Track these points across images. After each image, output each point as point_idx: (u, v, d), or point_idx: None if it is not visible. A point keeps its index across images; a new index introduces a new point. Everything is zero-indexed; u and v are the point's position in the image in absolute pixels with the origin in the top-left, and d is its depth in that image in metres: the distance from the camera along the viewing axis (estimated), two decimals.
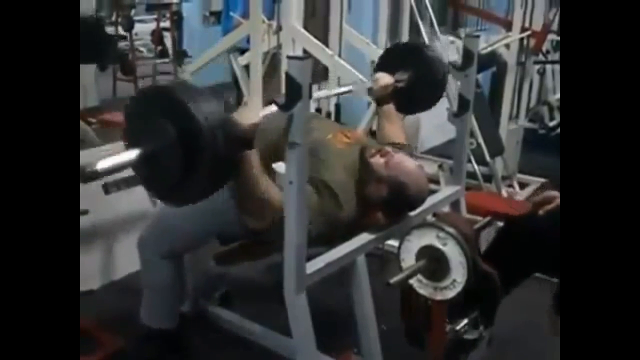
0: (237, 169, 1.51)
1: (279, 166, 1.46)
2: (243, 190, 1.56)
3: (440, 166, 3.44)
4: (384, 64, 2.25)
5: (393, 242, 1.96)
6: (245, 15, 3.61)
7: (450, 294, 1.31)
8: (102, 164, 1.24)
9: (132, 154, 1.32)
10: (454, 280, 1.30)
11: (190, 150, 1.29)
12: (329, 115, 3.35)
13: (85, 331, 2.25)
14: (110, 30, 5.67)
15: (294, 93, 1.37)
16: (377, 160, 1.77)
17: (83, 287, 2.57)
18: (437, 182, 3.36)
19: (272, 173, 1.69)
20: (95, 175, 1.24)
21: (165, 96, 1.33)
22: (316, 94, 2.00)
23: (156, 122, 1.31)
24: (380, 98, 2.12)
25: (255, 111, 1.53)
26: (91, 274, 2.64)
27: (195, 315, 2.29)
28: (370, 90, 2.12)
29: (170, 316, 2.06)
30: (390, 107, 2.13)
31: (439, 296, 1.33)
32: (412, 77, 2.15)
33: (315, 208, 1.65)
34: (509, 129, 3.96)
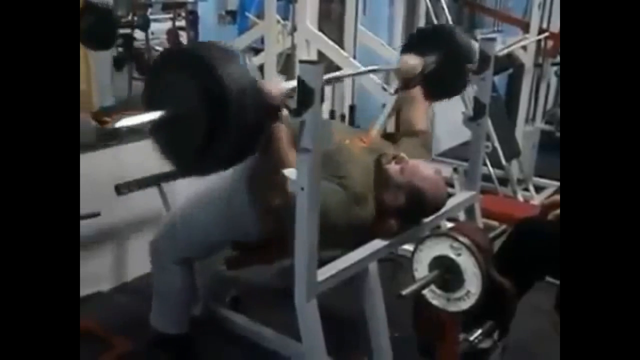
0: (264, 140, 1.45)
1: (290, 172, 1.43)
2: (268, 161, 1.51)
3: (455, 169, 3.40)
4: (412, 46, 2.14)
5: (406, 247, 1.93)
6: (261, 15, 3.59)
7: (464, 305, 1.28)
8: (122, 123, 1.22)
9: (154, 115, 1.25)
10: (468, 292, 1.26)
11: (215, 115, 1.21)
12: (343, 116, 3.33)
13: (96, 333, 2.25)
14: (126, 30, 5.71)
15: (306, 98, 1.34)
16: (393, 167, 1.74)
17: (94, 289, 2.58)
18: (451, 186, 3.32)
19: None
20: (115, 133, 1.23)
21: (190, 57, 1.26)
22: (339, 72, 1.86)
23: (180, 84, 1.24)
24: (407, 81, 2.04)
25: (282, 82, 1.49)
26: (102, 275, 2.64)
27: (206, 319, 2.28)
28: (397, 72, 2.03)
29: (180, 321, 2.05)
30: (416, 92, 2.05)
31: (452, 307, 1.30)
32: (441, 61, 2.05)
33: (344, 204, 1.64)
34: (526, 132, 3.91)
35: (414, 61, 2.03)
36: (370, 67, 2.16)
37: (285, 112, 1.52)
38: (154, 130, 1.30)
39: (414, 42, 2.17)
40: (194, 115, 1.23)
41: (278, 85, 1.49)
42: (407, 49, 2.15)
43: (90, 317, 2.31)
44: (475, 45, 2.12)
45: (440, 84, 2.07)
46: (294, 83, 1.45)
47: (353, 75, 2.32)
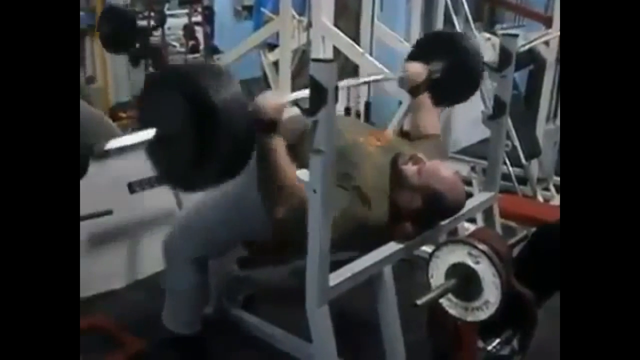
0: (260, 154, 1.49)
1: (303, 173, 1.40)
2: (265, 175, 1.52)
3: (473, 168, 3.34)
4: (418, 53, 2.14)
5: (423, 247, 1.90)
6: (276, 10, 3.56)
7: (482, 315, 1.22)
8: (112, 144, 1.24)
9: (145, 134, 1.28)
10: (487, 301, 1.21)
11: (205, 134, 1.24)
12: (358, 114, 3.28)
13: (109, 331, 2.24)
14: (142, 23, 5.71)
15: (319, 98, 1.30)
16: (410, 168, 1.69)
17: (107, 287, 2.57)
18: (469, 184, 3.26)
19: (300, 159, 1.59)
20: (105, 154, 1.24)
21: (182, 76, 1.30)
22: (345, 82, 1.86)
23: (171, 102, 1.27)
24: (414, 89, 2.03)
25: (281, 95, 1.50)
26: (116, 273, 2.63)
27: (218, 318, 2.26)
28: (402, 80, 2.02)
29: (192, 322, 2.03)
30: (424, 98, 2.03)
31: (470, 317, 1.25)
32: (447, 68, 2.05)
33: (346, 210, 1.59)
34: (546, 130, 3.81)
35: (418, 69, 2.01)
36: (373, 77, 2.20)
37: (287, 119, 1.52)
38: (147, 147, 1.34)
39: (421, 50, 2.16)
40: (184, 134, 1.27)
41: (273, 99, 1.48)
42: (413, 57, 2.14)
43: (103, 315, 2.31)
44: (480, 51, 2.14)
45: (447, 90, 2.06)
46: (291, 96, 1.52)
47: (361, 84, 2.33)
